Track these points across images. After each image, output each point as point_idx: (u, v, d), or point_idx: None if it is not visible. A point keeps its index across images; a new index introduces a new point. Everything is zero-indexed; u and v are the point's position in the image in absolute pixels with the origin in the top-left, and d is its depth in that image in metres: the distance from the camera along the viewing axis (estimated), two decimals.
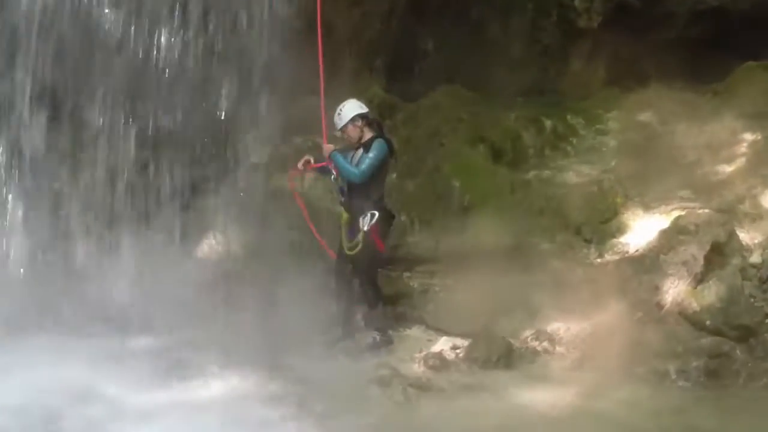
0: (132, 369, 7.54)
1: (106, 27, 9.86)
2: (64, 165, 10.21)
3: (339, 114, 8.54)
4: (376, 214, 8.40)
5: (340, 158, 8.40)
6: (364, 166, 8.38)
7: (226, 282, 9.43)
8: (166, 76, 10.16)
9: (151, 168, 10.17)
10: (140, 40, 9.89)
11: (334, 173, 8.51)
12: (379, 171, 8.52)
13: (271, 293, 9.08)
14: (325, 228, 9.43)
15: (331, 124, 8.69)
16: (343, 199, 8.63)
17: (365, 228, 8.36)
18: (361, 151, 8.51)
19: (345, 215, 8.55)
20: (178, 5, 9.97)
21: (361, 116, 8.57)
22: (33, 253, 9.56)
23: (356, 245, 8.38)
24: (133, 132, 10.21)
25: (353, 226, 8.50)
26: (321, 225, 9.68)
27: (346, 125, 8.54)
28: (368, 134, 8.56)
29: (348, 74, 12.15)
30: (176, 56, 10.10)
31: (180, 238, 10.06)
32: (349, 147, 8.66)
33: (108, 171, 10.13)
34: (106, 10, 9.81)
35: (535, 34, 12.60)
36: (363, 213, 8.42)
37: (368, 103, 11.32)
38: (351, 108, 8.58)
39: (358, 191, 8.50)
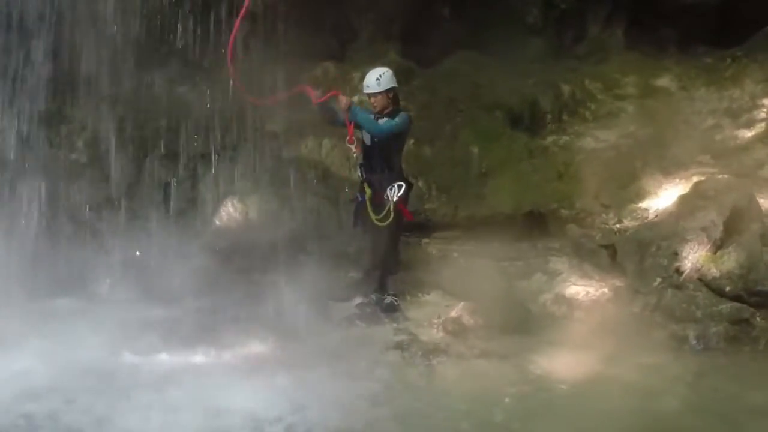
0: (152, 335, 7.56)
1: None
2: (80, 137, 10.24)
3: (378, 80, 8.42)
4: (403, 185, 8.43)
5: (359, 110, 8.33)
6: (386, 126, 8.35)
7: (244, 249, 9.44)
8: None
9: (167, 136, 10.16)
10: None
11: (343, 119, 8.34)
12: (399, 142, 8.54)
13: (289, 260, 9.08)
14: (342, 198, 9.51)
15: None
16: (365, 176, 8.58)
17: (394, 199, 8.35)
18: (387, 120, 8.43)
19: (369, 190, 8.51)
20: None
21: (394, 89, 8.54)
22: (52, 219, 9.58)
23: (387, 217, 8.33)
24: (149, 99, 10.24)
25: (379, 199, 8.45)
26: (340, 194, 9.74)
27: (380, 93, 8.45)
28: (391, 106, 8.52)
29: (365, 39, 12.16)
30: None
31: (199, 206, 10.09)
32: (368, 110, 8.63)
33: (128, 141, 10.16)
34: None
35: None
36: (389, 185, 8.40)
37: None
38: (390, 79, 8.48)
39: (380, 164, 8.49)
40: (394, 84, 8.49)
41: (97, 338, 7.28)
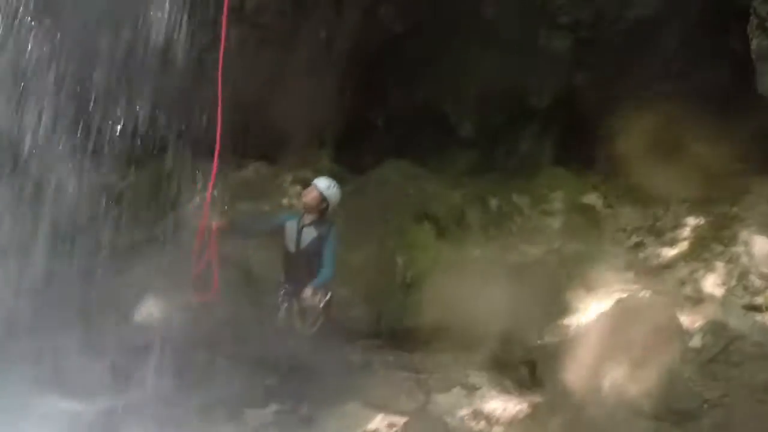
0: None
1: None
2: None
3: (333, 190, 8.65)
4: (329, 293, 8.45)
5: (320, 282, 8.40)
6: (331, 261, 8.48)
7: (161, 348, 9.22)
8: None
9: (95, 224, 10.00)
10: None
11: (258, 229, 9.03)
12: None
13: (206, 362, 8.91)
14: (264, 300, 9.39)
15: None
16: (287, 287, 8.59)
17: (321, 306, 8.37)
18: (313, 228, 8.52)
19: (297, 304, 8.46)
20: None
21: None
22: None
23: (315, 325, 8.41)
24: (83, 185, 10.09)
25: (305, 310, 8.43)
26: (264, 293, 9.62)
27: (327, 201, 8.58)
28: (324, 214, 8.60)
29: (298, 144, 12.19)
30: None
31: (119, 299, 9.88)
32: (295, 212, 8.74)
33: (51, 225, 9.94)
34: None
35: (484, 112, 12.68)
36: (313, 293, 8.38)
37: (316, 173, 11.41)
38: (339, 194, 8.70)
39: (304, 273, 8.46)
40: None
41: None
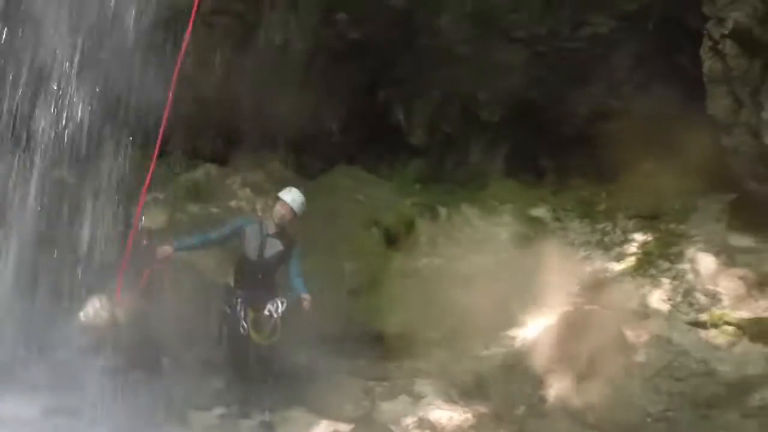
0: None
1: None
2: None
3: (301, 203, 8.55)
4: (285, 301, 8.33)
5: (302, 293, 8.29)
6: (301, 274, 8.44)
7: (108, 348, 9.07)
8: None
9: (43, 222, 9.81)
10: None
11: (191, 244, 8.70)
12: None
13: (153, 363, 8.78)
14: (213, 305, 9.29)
15: None
16: (241, 293, 8.40)
17: (278, 314, 8.25)
18: (278, 240, 8.43)
19: (252, 312, 8.31)
20: None
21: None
22: None
23: (273, 334, 8.26)
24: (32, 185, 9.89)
25: (260, 317, 8.29)
26: (211, 301, 9.50)
27: (295, 216, 8.53)
28: (291, 229, 8.55)
29: (250, 146, 12.08)
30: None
31: (68, 299, 9.69)
32: (253, 218, 8.77)
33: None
34: None
35: (437, 122, 12.70)
36: (270, 300, 8.30)
37: (267, 176, 11.33)
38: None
39: (262, 281, 8.39)
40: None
41: None
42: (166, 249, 8.34)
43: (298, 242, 8.53)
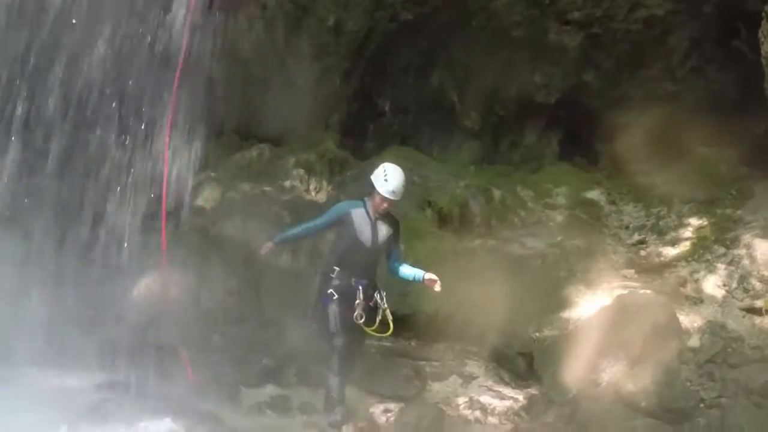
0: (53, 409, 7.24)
1: None
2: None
3: (404, 185, 7.78)
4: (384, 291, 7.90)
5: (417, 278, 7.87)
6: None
7: (160, 325, 9.18)
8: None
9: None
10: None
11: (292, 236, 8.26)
12: None
13: (204, 340, 8.87)
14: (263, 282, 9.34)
15: None
16: (354, 281, 7.70)
17: (385, 304, 7.78)
18: (386, 224, 7.79)
19: (362, 301, 7.63)
20: None
21: None
22: None
23: (384, 325, 7.70)
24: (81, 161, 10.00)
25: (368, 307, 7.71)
26: (261, 279, 9.57)
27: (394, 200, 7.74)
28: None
29: (303, 126, 12.13)
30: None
31: (120, 275, 9.80)
32: (356, 201, 7.95)
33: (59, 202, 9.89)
34: None
35: (492, 104, 12.66)
36: (375, 290, 7.83)
37: (320, 157, 11.36)
38: None
39: (370, 269, 7.86)
40: None
41: None
42: (267, 245, 8.00)
43: (400, 221, 8.10)
